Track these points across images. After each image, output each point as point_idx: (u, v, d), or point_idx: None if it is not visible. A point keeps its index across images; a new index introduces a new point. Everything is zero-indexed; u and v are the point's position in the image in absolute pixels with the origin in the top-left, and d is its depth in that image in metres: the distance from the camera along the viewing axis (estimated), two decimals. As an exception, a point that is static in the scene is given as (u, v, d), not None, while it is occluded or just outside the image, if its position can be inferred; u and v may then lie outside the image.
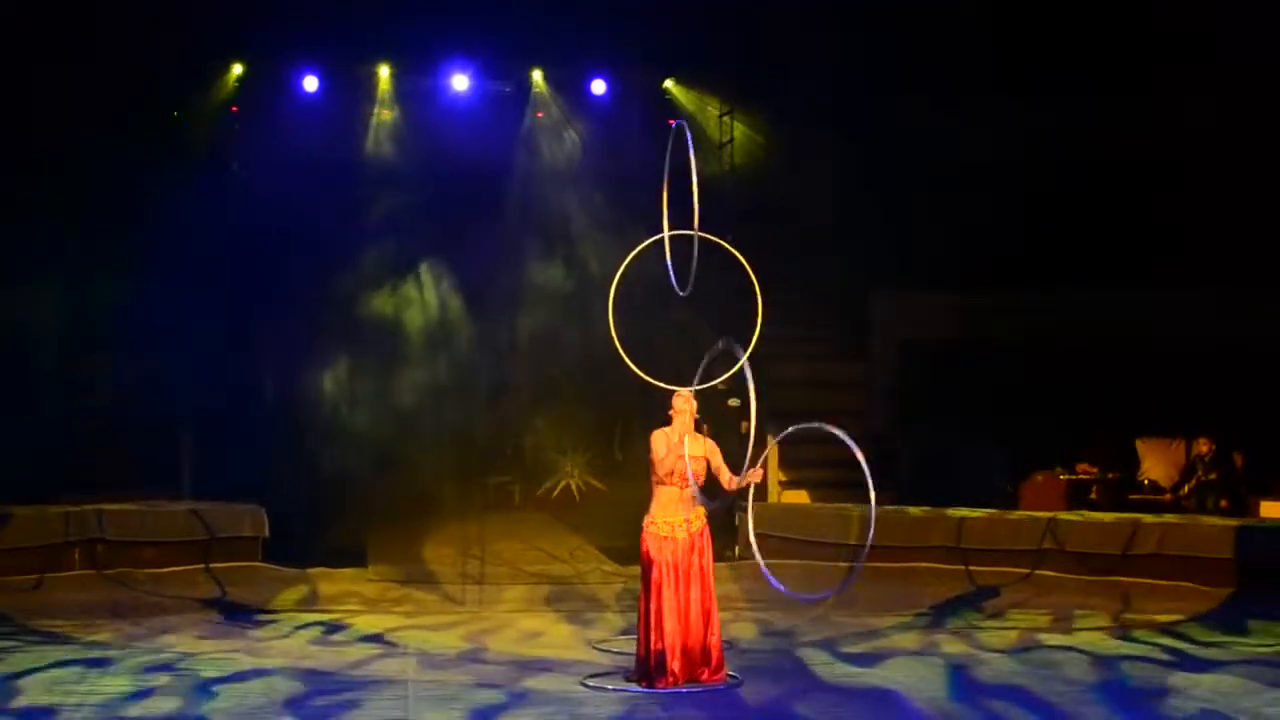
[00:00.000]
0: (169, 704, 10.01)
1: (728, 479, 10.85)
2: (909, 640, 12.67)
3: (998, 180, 18.38)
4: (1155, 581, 15.69)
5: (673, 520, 10.64)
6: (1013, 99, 18.74)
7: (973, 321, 19.14)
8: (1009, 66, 18.41)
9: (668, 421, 10.82)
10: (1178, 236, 18.40)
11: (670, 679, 10.44)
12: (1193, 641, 12.74)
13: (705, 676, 10.53)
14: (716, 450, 10.97)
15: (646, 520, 10.72)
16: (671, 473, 10.65)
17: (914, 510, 17.18)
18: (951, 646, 12.40)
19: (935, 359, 19.19)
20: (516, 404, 19.48)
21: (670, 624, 10.48)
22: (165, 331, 17.85)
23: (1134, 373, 18.44)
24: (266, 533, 16.90)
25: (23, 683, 10.63)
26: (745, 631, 13.11)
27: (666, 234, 10.95)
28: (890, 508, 17.24)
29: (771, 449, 11.45)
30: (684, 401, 10.80)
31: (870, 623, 13.59)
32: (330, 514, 17.31)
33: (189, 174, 17.73)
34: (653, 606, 10.54)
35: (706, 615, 10.61)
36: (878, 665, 11.61)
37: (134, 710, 9.80)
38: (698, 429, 10.86)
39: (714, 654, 10.64)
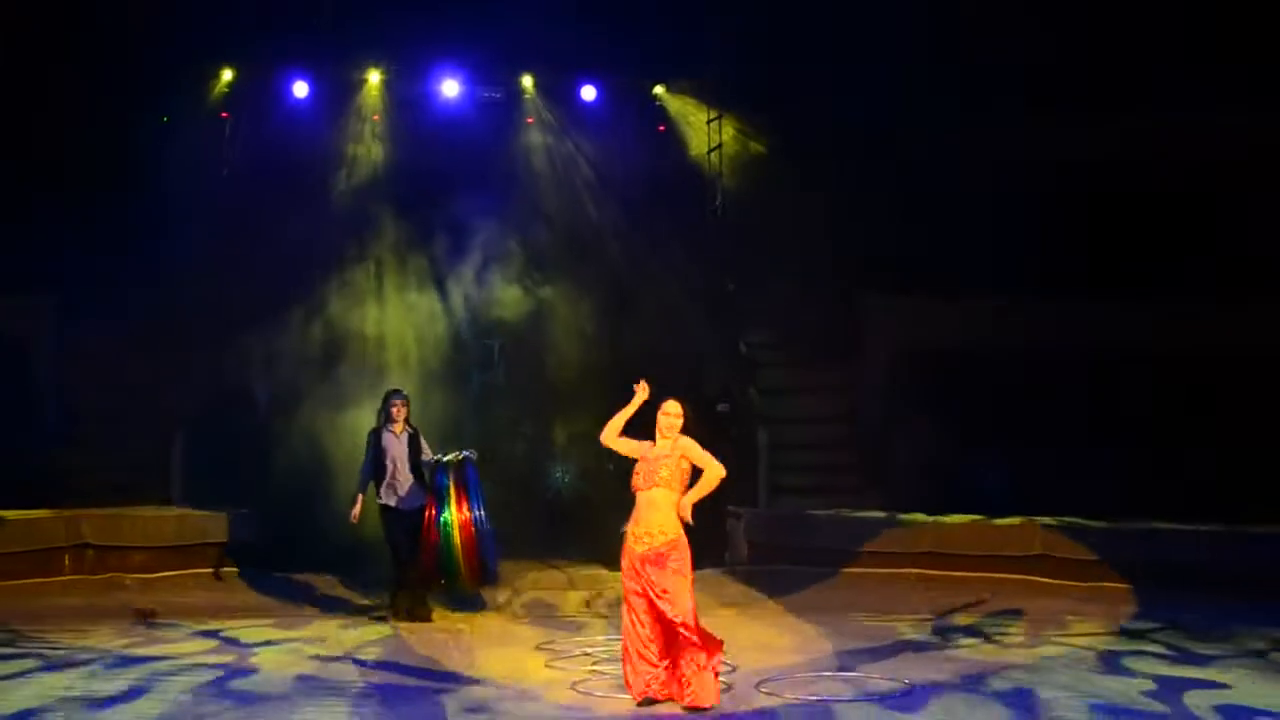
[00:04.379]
0: (157, 708, 9.98)
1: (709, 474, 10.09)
2: (904, 649, 12.59)
3: (996, 185, 18.35)
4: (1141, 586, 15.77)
5: (636, 531, 10.07)
6: (1012, 103, 18.72)
7: (968, 327, 19.11)
8: (1006, 70, 18.40)
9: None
10: (1179, 247, 18.39)
11: (632, 692, 10.06)
12: (1179, 647, 12.74)
13: (673, 696, 9.97)
14: (692, 445, 10.15)
15: (626, 528, 10.19)
16: (638, 476, 10.10)
17: (903, 516, 17.20)
18: (947, 655, 12.33)
19: (928, 364, 19.17)
20: (508, 411, 19.43)
21: (632, 637, 10.04)
22: (155, 338, 17.85)
23: (1130, 383, 18.42)
24: (255, 539, 16.88)
25: (12, 689, 10.60)
26: (736, 638, 13.05)
27: None
28: (881, 513, 17.32)
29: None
30: (668, 420, 10.16)
31: (865, 631, 13.55)
32: (320, 521, 17.27)
33: (179, 179, 17.76)
34: (624, 618, 10.18)
35: (669, 633, 9.95)
36: (877, 673, 11.60)
37: (124, 715, 9.77)
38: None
39: (682, 675, 9.95)
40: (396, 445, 13.91)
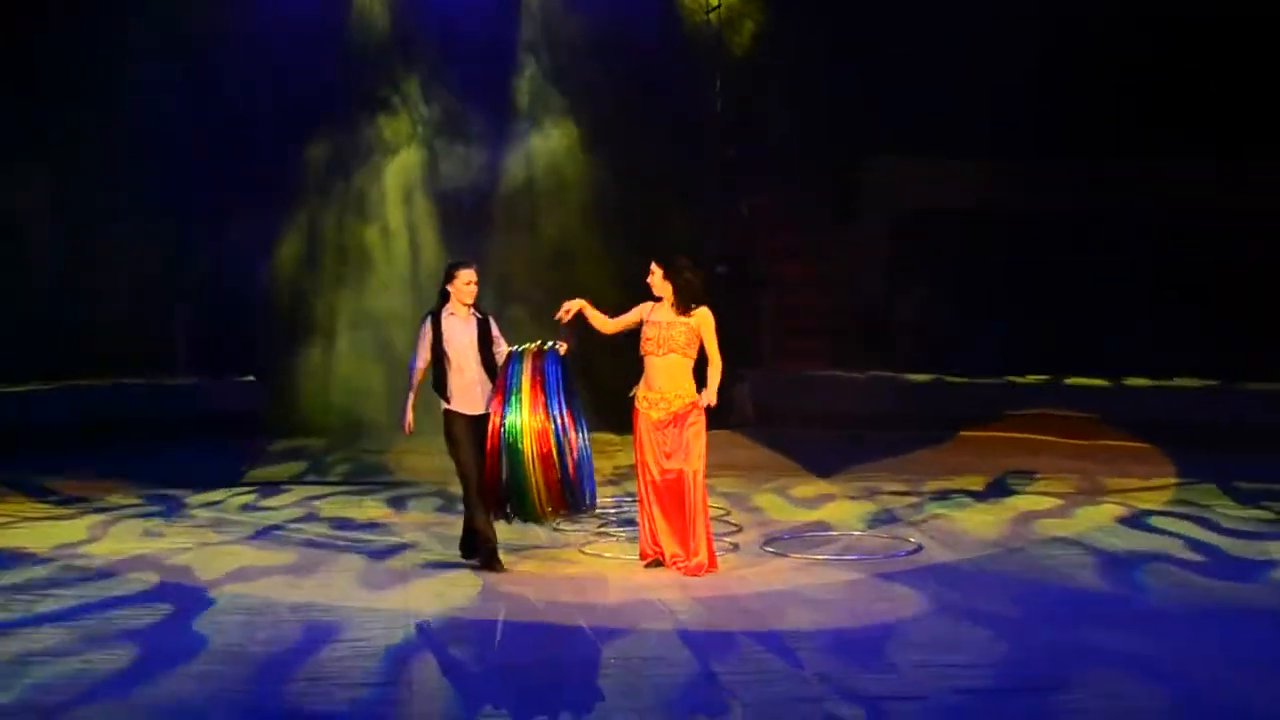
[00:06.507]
0: (168, 574, 10.07)
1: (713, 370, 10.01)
2: (914, 515, 12.50)
3: (997, 45, 18.12)
4: (1140, 445, 15.86)
5: (650, 396, 9.98)
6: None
7: (968, 189, 19.04)
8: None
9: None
10: (1180, 106, 18.24)
11: (646, 558, 10.12)
12: (1175, 503, 12.81)
13: (679, 566, 9.92)
14: (707, 323, 10.01)
15: (636, 392, 10.10)
16: (647, 341, 9.96)
17: (907, 377, 17.29)
18: (954, 518, 12.32)
19: (929, 226, 19.13)
20: (504, 274, 19.39)
21: (646, 501, 10.04)
22: (157, 210, 17.80)
23: (1140, 244, 18.40)
24: (262, 408, 16.97)
25: (26, 548, 10.83)
26: (740, 499, 13.17)
27: None
28: (881, 374, 17.39)
29: None
30: (651, 279, 10.03)
31: (870, 491, 13.58)
32: (326, 390, 17.37)
33: (176, 50, 17.61)
34: (639, 482, 10.15)
35: (680, 500, 9.92)
36: (882, 533, 11.71)
37: (134, 582, 9.89)
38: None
39: (689, 542, 9.91)
40: (461, 333, 10.26)
